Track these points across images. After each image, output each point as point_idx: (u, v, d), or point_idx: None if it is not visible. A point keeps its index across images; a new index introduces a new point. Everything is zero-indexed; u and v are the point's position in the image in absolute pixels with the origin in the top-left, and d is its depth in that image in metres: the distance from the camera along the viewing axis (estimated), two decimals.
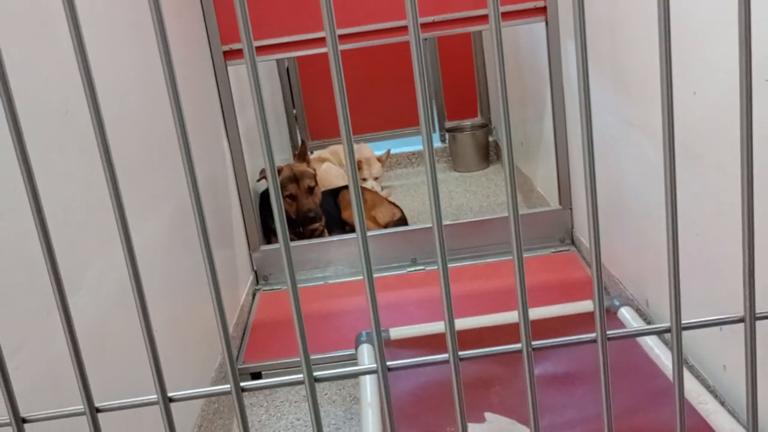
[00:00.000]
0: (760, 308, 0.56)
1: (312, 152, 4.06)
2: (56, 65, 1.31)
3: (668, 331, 0.54)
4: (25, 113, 1.18)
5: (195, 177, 0.54)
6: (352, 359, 2.10)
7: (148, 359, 0.56)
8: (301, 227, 2.99)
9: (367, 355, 1.92)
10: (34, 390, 1.10)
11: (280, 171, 2.99)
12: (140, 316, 0.56)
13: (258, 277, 2.79)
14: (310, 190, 2.99)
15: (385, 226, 3.15)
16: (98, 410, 0.55)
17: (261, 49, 2.52)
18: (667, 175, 0.54)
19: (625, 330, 0.58)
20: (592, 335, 0.55)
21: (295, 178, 2.96)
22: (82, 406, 0.55)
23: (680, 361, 0.55)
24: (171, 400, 0.56)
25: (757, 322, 0.56)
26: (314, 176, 3.05)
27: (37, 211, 0.54)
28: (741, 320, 0.54)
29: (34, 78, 1.24)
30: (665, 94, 0.54)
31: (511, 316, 2.03)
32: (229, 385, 0.56)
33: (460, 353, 0.55)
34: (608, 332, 0.55)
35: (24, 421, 0.55)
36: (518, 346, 0.55)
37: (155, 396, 0.56)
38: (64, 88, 1.33)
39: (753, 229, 0.53)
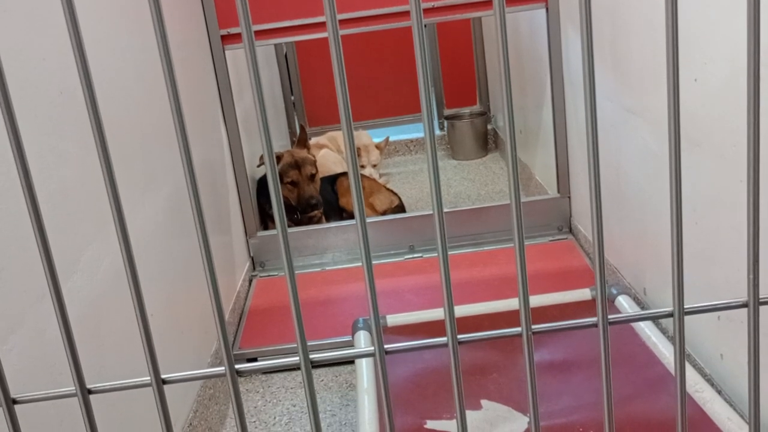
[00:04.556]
0: (762, 295, 0.55)
1: (310, 138, 4.04)
2: (51, 45, 1.30)
3: (671, 315, 0.53)
4: (19, 93, 1.17)
5: (191, 162, 0.53)
6: (349, 346, 2.10)
7: (141, 341, 0.55)
8: (299, 214, 2.98)
9: (363, 342, 1.91)
10: (28, 372, 1.10)
11: (280, 157, 2.97)
12: (134, 298, 0.55)
13: (255, 264, 2.78)
14: (311, 177, 2.98)
15: (383, 213, 3.15)
16: (90, 392, 0.54)
17: (259, 34, 2.50)
18: (672, 159, 0.53)
19: (627, 314, 0.57)
20: (593, 319, 0.54)
21: (297, 165, 2.95)
22: (73, 388, 0.54)
23: (682, 345, 0.54)
24: (164, 382, 0.55)
25: (758, 310, 0.55)
26: (315, 163, 3.03)
27: (29, 192, 0.54)
28: (744, 305, 0.53)
29: (28, 58, 1.23)
30: (671, 81, 0.53)
31: (508, 304, 2.03)
32: (223, 368, 0.55)
33: (459, 337, 0.55)
34: (609, 316, 0.54)
35: (15, 402, 0.54)
36: (518, 329, 0.54)
37: (148, 378, 0.55)
38: (59, 68, 1.31)
39: (758, 213, 0.53)
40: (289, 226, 3.14)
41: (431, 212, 0.55)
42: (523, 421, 1.57)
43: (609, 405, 0.57)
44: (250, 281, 2.70)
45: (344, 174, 3.41)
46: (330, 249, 2.78)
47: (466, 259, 2.66)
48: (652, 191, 1.94)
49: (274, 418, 2.00)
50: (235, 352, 2.27)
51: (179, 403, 1.75)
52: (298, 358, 0.56)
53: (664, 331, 1.83)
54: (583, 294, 2.05)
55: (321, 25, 2.47)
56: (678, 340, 0.55)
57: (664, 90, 0.53)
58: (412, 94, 4.37)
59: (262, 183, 2.99)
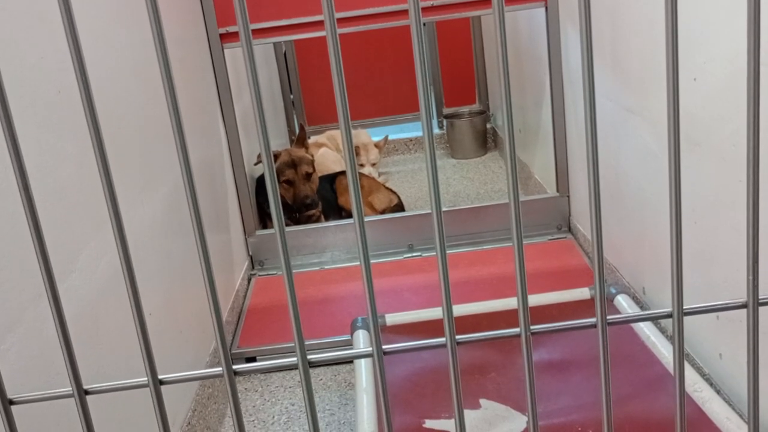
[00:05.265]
0: (761, 295, 0.55)
1: (309, 137, 4.04)
2: (50, 43, 1.29)
3: (669, 316, 0.53)
4: (17, 92, 1.16)
5: (188, 161, 0.53)
6: (348, 345, 2.09)
7: (139, 341, 0.55)
8: (297, 213, 2.98)
9: (362, 341, 1.91)
10: (25, 372, 1.09)
11: (278, 156, 2.97)
12: (131, 298, 0.55)
13: (253, 262, 2.78)
14: (308, 176, 2.97)
15: (382, 212, 3.14)
16: (87, 392, 0.54)
17: (258, 32, 2.49)
18: (671, 159, 0.53)
19: (626, 315, 0.57)
20: (592, 320, 0.54)
21: (293, 164, 2.95)
22: (70, 388, 0.54)
23: (681, 345, 0.54)
24: (161, 382, 0.55)
25: (758, 311, 0.55)
26: (312, 162, 3.03)
27: (25, 191, 0.53)
28: (743, 306, 0.53)
29: (26, 56, 1.22)
30: (671, 80, 0.52)
31: (508, 303, 2.03)
32: (221, 368, 0.55)
33: (457, 337, 0.54)
34: (608, 317, 0.54)
35: (11, 402, 0.54)
36: (517, 330, 0.54)
37: (145, 378, 0.55)
38: (58, 66, 1.31)
39: (758, 214, 0.52)
40: (287, 225, 3.13)
41: (430, 211, 0.55)
42: (521, 420, 1.57)
43: (608, 405, 0.57)
44: (249, 280, 2.70)
45: (343, 173, 3.41)
46: (329, 248, 2.78)
47: (465, 258, 2.66)
48: (651, 191, 1.94)
49: (273, 417, 2.00)
50: (233, 351, 2.27)
51: (178, 402, 1.74)
52: (295, 358, 0.56)
53: (663, 331, 1.83)
54: (582, 293, 2.05)
55: (320, 24, 2.47)
56: (677, 340, 0.55)
57: (664, 89, 0.53)
58: (411, 93, 4.37)
59: (260, 182, 2.99)
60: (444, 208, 2.89)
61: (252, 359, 2.26)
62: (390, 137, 4.21)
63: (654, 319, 0.55)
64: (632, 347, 1.76)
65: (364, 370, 1.72)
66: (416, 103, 4.23)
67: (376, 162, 3.99)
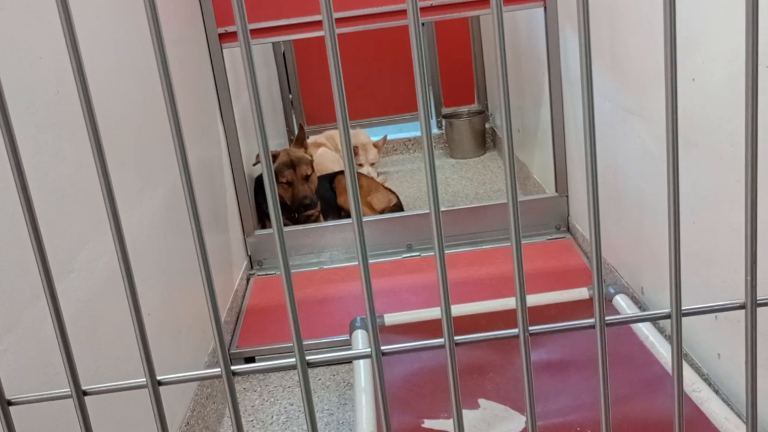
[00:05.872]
0: (760, 296, 0.55)
1: (308, 137, 4.03)
2: (49, 43, 1.29)
3: (668, 317, 0.53)
4: (16, 92, 1.16)
5: (187, 161, 0.53)
6: (346, 345, 2.09)
7: (137, 342, 0.55)
8: (296, 213, 2.98)
9: (361, 341, 1.91)
10: (24, 372, 1.09)
11: (276, 156, 2.97)
12: (129, 298, 0.55)
13: (252, 262, 2.78)
14: (307, 177, 2.97)
15: (381, 212, 3.14)
16: (85, 393, 0.54)
17: (256, 32, 2.49)
18: (669, 159, 0.53)
19: (624, 315, 0.57)
20: (591, 321, 0.54)
21: (292, 164, 2.94)
22: (68, 389, 0.54)
23: (679, 346, 0.54)
24: (160, 383, 0.55)
25: (756, 311, 0.55)
26: (311, 162, 3.03)
27: (23, 191, 0.53)
28: (742, 307, 0.53)
29: (24, 56, 1.22)
30: (669, 80, 0.52)
31: (506, 303, 2.03)
32: (219, 369, 0.55)
33: (455, 338, 0.54)
34: (606, 318, 0.54)
35: (9, 403, 0.54)
36: (515, 330, 0.54)
37: (144, 379, 0.55)
38: (56, 67, 1.31)
39: (756, 214, 0.52)
40: (286, 225, 3.12)
41: (429, 211, 0.55)
42: (520, 420, 1.57)
43: (606, 405, 0.57)
44: (248, 280, 2.70)
45: (342, 173, 3.41)
46: (327, 248, 2.78)
47: (464, 258, 2.66)
48: (650, 191, 1.94)
49: (272, 417, 2.00)
50: (232, 351, 2.27)
51: (177, 402, 1.74)
52: (294, 359, 0.56)
53: (661, 331, 1.83)
54: (581, 293, 2.05)
55: (318, 24, 2.47)
56: (675, 340, 0.55)
57: (663, 90, 0.53)
58: (410, 93, 4.37)
59: (259, 182, 2.99)
60: (443, 208, 2.89)
61: (251, 359, 2.26)
62: (389, 137, 4.21)
63: (652, 319, 0.55)
64: (631, 347, 1.76)
65: (362, 370, 1.72)
66: (415, 103, 4.23)
67: (375, 162, 3.99)
